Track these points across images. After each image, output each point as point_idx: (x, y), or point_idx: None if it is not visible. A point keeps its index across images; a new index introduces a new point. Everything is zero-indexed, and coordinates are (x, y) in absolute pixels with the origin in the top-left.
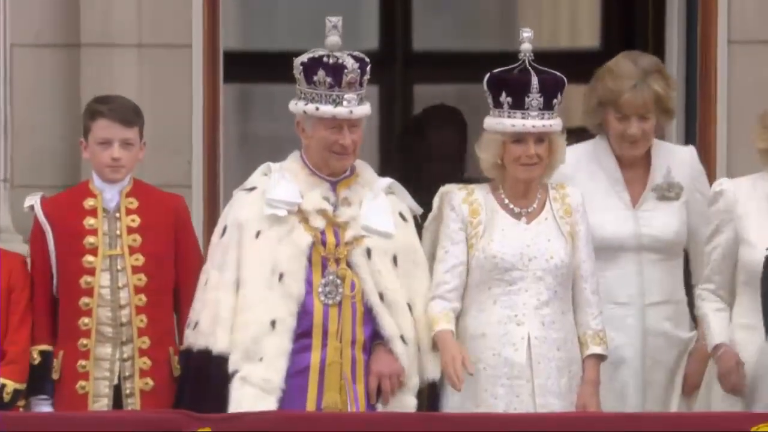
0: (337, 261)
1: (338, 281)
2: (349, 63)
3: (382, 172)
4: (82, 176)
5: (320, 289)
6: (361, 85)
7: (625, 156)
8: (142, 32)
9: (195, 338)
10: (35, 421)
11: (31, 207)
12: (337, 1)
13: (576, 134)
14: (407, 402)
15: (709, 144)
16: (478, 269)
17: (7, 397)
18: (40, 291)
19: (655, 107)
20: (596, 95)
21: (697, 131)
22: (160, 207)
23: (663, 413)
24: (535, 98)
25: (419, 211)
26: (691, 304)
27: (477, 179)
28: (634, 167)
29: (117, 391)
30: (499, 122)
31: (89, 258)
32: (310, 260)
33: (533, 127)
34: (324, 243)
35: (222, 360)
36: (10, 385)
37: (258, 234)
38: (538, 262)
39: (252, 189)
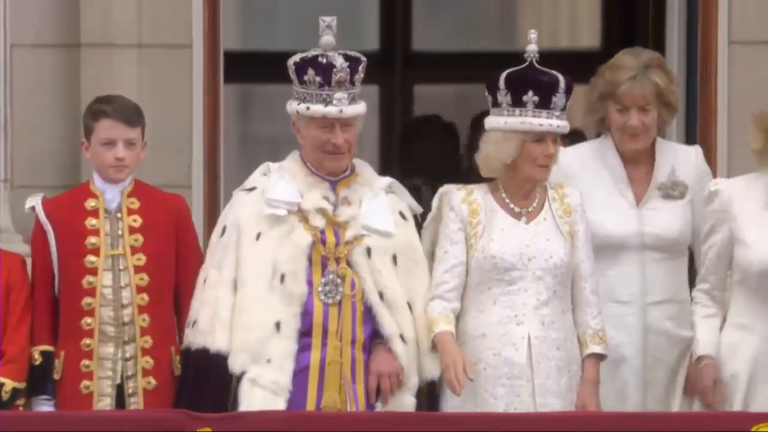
0: (337, 260)
1: (338, 280)
2: (338, 62)
3: (382, 172)
4: (82, 176)
5: (320, 289)
6: (352, 84)
7: (627, 150)
8: (143, 32)
9: (194, 337)
10: (35, 421)
11: (33, 208)
12: (337, 2)
13: (570, 137)
14: (406, 401)
15: (709, 144)
16: (478, 269)
17: (5, 396)
18: (42, 291)
19: (656, 100)
20: (597, 90)
21: (697, 131)
22: (162, 207)
23: (663, 413)
24: (561, 98)
25: (419, 210)
26: None
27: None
28: (639, 166)
29: (120, 390)
30: (524, 121)
31: (91, 258)
32: (310, 260)
33: (558, 127)
34: (324, 242)
35: (221, 358)
36: (9, 384)
37: (258, 236)
38: (537, 261)
39: (252, 189)
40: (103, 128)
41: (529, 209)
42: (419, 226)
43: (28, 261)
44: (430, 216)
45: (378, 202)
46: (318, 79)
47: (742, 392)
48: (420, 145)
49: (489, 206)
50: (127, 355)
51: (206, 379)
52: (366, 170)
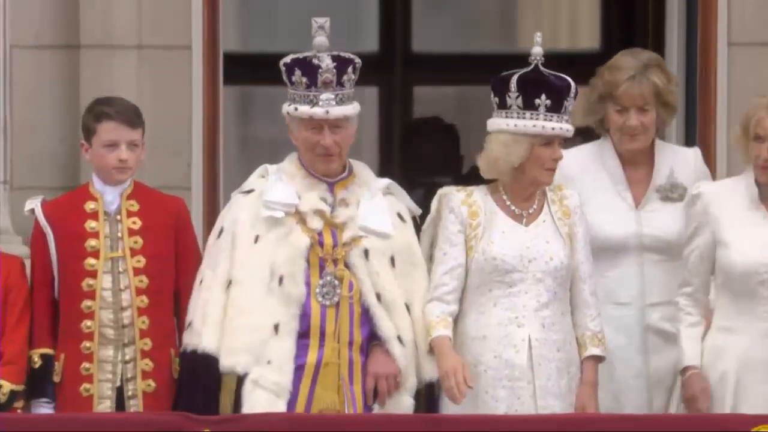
0: (335, 262)
1: (336, 282)
2: (324, 63)
3: (382, 173)
4: (81, 178)
5: (318, 290)
6: (340, 85)
7: (626, 151)
8: (142, 34)
9: (188, 338)
10: (35, 423)
11: (32, 210)
12: (337, 3)
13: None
14: (404, 403)
15: (709, 145)
16: (478, 271)
17: (3, 398)
18: (41, 294)
19: (655, 100)
20: (596, 91)
21: (696, 132)
22: (161, 209)
23: (663, 414)
24: (571, 102)
25: (418, 211)
26: None
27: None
28: (638, 168)
29: (119, 392)
30: (536, 124)
31: (91, 261)
32: (308, 261)
33: (567, 131)
34: (321, 244)
35: (210, 359)
36: (7, 386)
37: (257, 239)
38: (537, 263)
39: (249, 191)
40: (106, 130)
41: (530, 211)
42: (418, 227)
43: (27, 263)
44: (429, 218)
45: (376, 204)
46: (304, 80)
47: (731, 394)
48: (420, 146)
49: (489, 208)
50: (127, 357)
51: (197, 380)
52: (364, 171)
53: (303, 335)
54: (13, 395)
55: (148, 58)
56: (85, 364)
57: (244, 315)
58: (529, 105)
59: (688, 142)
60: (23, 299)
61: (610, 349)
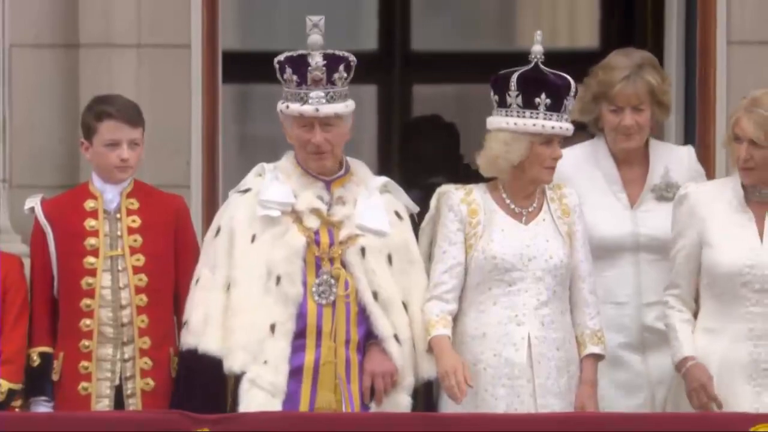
0: (331, 260)
1: (332, 281)
2: (314, 61)
3: (381, 172)
4: (81, 176)
5: (314, 289)
6: (331, 83)
7: (621, 150)
8: (142, 32)
9: (185, 337)
10: (34, 422)
11: (32, 209)
12: (337, 1)
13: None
14: (401, 401)
15: (708, 144)
16: (478, 270)
17: (1, 397)
18: (40, 292)
19: (649, 99)
20: (590, 91)
21: (696, 131)
22: (161, 207)
23: (662, 413)
24: (571, 101)
25: (416, 209)
26: None
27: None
28: (633, 167)
29: (118, 391)
30: (536, 123)
31: (90, 259)
32: (304, 260)
33: (567, 130)
34: (318, 243)
35: (211, 359)
36: (5, 385)
37: (254, 238)
38: (537, 262)
39: (246, 191)
40: (107, 129)
41: (529, 209)
42: (416, 225)
43: (26, 261)
44: (428, 216)
45: (373, 202)
46: (295, 77)
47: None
48: (419, 145)
49: (488, 206)
50: (126, 356)
51: (196, 380)
52: (361, 169)
53: (299, 335)
54: (11, 394)
55: (148, 56)
56: (84, 363)
57: (242, 314)
58: (529, 104)
59: (687, 141)
60: (21, 298)
61: (608, 348)
